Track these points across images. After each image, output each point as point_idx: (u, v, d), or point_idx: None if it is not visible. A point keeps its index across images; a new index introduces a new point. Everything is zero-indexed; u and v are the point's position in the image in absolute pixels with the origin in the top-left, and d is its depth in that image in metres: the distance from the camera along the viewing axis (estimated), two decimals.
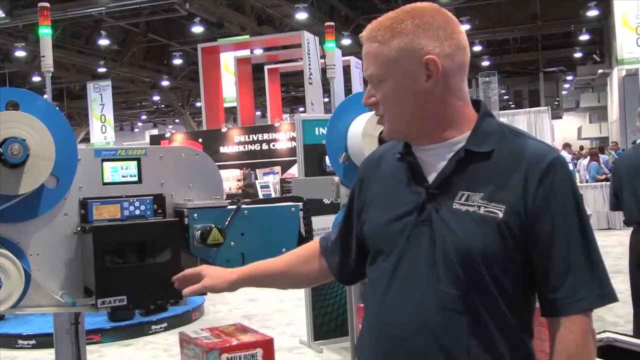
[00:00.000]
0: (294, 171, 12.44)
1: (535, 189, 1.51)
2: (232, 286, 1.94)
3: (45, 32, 3.58)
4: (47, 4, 3.59)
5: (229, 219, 2.39)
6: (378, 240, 1.68)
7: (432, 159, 1.63)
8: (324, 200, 5.12)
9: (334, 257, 1.88)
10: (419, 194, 1.61)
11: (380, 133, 3.54)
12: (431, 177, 1.61)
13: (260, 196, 11.90)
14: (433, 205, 1.58)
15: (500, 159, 1.56)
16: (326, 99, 16.74)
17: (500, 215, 1.51)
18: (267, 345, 2.57)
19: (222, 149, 14.73)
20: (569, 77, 35.35)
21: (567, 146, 19.01)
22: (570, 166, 14.63)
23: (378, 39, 1.58)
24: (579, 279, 1.50)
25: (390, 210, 1.65)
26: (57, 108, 2.40)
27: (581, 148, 24.27)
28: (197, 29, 20.64)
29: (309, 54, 13.46)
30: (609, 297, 1.53)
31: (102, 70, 25.04)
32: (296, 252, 1.99)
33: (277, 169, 14.38)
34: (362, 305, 3.33)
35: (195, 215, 2.34)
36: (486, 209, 1.52)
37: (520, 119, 14.95)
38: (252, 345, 2.53)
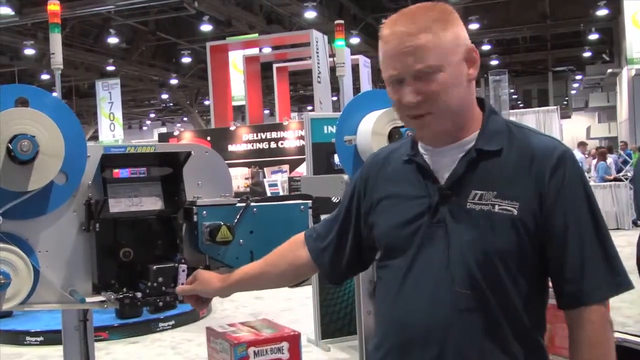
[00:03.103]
0: (302, 170, 12.44)
1: (548, 184, 1.53)
2: (220, 290, 1.99)
3: (54, 29, 3.59)
4: (57, 1, 3.59)
5: (238, 216, 2.38)
6: (390, 242, 1.67)
7: (442, 160, 1.62)
8: (333, 199, 5.11)
9: (324, 256, 1.85)
10: (430, 196, 1.60)
11: (389, 132, 3.52)
12: (442, 178, 1.61)
13: (269, 194, 11.90)
14: (447, 207, 1.57)
15: (510, 156, 1.57)
16: (334, 98, 16.74)
17: (515, 212, 1.52)
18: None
19: (231, 148, 14.77)
20: (578, 77, 35.22)
21: (581, 145, 18.75)
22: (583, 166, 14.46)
23: (432, 30, 1.53)
24: (595, 270, 1.52)
25: (402, 213, 1.64)
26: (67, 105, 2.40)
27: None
28: (206, 28, 20.66)
29: (317, 52, 13.47)
30: (624, 285, 1.55)
31: (110, 68, 25.13)
32: (276, 249, 1.97)
33: (285, 167, 14.42)
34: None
35: (205, 212, 2.33)
36: (501, 207, 1.52)
37: (529, 119, 14.93)
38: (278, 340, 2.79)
